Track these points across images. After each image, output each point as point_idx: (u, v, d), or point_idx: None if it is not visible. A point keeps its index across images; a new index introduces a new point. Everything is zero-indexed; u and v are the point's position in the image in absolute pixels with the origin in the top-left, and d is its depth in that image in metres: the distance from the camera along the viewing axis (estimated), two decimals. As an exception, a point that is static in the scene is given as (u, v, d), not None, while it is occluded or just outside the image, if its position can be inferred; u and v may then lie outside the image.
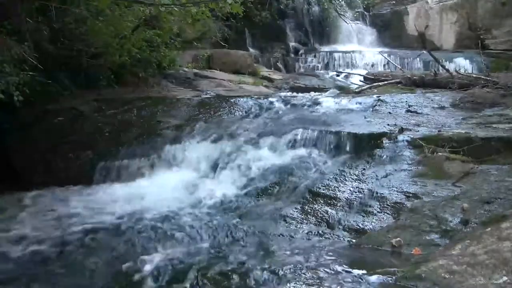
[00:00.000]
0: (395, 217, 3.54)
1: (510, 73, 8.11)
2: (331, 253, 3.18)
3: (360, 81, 9.54)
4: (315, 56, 11.79)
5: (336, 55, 11.54)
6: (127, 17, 6.99)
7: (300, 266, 2.94)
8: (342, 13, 12.88)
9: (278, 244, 3.44)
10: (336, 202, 3.92)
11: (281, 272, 2.88)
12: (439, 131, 4.83)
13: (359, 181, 4.16)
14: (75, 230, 3.85)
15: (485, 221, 3.09)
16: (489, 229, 2.74)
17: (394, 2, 13.90)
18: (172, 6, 7.03)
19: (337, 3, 12.97)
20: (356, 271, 2.75)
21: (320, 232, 3.61)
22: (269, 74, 10.36)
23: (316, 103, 6.44)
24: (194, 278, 2.96)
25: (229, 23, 10.83)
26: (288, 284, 2.70)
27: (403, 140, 4.67)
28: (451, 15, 12.04)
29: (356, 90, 7.85)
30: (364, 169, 4.36)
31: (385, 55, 10.74)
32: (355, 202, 3.87)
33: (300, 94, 7.47)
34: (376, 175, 4.19)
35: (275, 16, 12.17)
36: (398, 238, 3.12)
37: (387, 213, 3.64)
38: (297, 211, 3.90)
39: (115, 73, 7.17)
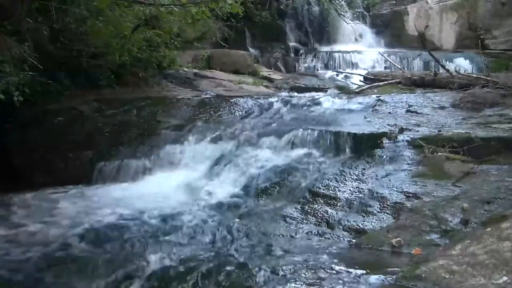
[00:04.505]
0: (395, 217, 3.54)
1: (510, 73, 8.10)
2: (331, 253, 3.18)
3: (360, 81, 9.53)
4: (315, 56, 11.78)
5: (336, 55, 11.54)
6: (127, 17, 6.99)
7: (300, 266, 2.93)
8: (342, 13, 12.86)
9: (278, 244, 3.43)
10: (336, 202, 3.92)
11: (281, 272, 2.87)
12: (439, 131, 4.83)
13: (359, 181, 4.16)
14: (75, 230, 3.84)
15: (485, 221, 3.10)
16: (489, 229, 2.74)
17: (394, 2, 13.88)
18: (172, 6, 7.03)
19: (337, 3, 12.96)
20: (356, 271, 2.75)
21: (320, 232, 3.61)
22: (269, 74, 10.35)
23: (316, 103, 6.45)
24: (194, 278, 2.95)
25: (229, 23, 10.82)
26: (288, 284, 2.70)
27: (403, 140, 4.67)
28: (451, 15, 12.04)
29: (356, 90, 7.85)
30: (364, 169, 4.36)
31: (385, 55, 10.73)
32: (355, 202, 3.87)
33: (300, 94, 7.47)
34: (376, 175, 4.19)
35: (275, 16, 12.15)
36: (398, 238, 3.12)
37: (387, 213, 3.64)
38: (297, 211, 3.90)
39: (115, 73, 7.16)
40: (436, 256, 2.59)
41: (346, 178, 4.24)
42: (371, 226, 3.54)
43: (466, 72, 8.21)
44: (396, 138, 4.72)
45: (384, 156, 4.50)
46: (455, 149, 4.34)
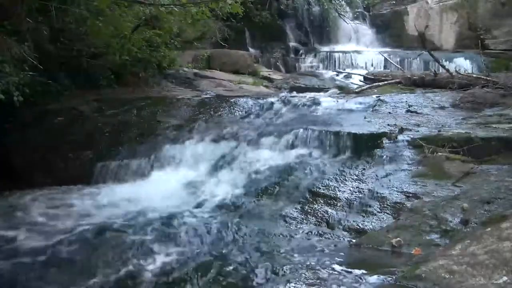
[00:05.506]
0: (395, 217, 3.54)
1: (510, 73, 8.10)
2: (331, 253, 3.18)
3: (360, 81, 9.53)
4: (315, 56, 11.79)
5: (336, 55, 11.54)
6: (127, 17, 7.00)
7: (300, 266, 2.94)
8: (342, 13, 12.88)
9: (278, 244, 3.43)
10: (336, 202, 3.92)
11: (281, 272, 2.88)
12: (439, 131, 4.83)
13: (359, 181, 4.16)
14: (74, 230, 3.84)
15: (485, 221, 3.10)
16: (489, 229, 2.74)
17: (394, 2, 13.89)
18: (172, 6, 7.04)
19: (337, 3, 12.97)
20: (356, 271, 2.75)
21: (320, 232, 3.61)
22: (269, 74, 10.36)
23: (316, 103, 6.44)
24: (194, 278, 2.96)
25: (229, 23, 10.83)
26: (288, 284, 2.70)
27: (403, 140, 4.67)
28: (451, 15, 12.05)
29: (356, 90, 7.85)
30: (364, 169, 4.36)
31: (385, 55, 10.73)
32: (355, 202, 3.87)
33: (300, 94, 7.46)
34: (376, 175, 4.19)
35: (275, 16, 12.17)
36: (398, 238, 3.12)
37: (387, 213, 3.64)
38: (297, 211, 3.90)
39: (115, 73, 7.17)
40: (436, 256, 2.58)
41: (346, 178, 4.24)
42: (371, 226, 3.54)
43: (466, 72, 8.21)
44: (396, 138, 4.72)
45: (384, 156, 4.50)
46: (455, 149, 4.34)
